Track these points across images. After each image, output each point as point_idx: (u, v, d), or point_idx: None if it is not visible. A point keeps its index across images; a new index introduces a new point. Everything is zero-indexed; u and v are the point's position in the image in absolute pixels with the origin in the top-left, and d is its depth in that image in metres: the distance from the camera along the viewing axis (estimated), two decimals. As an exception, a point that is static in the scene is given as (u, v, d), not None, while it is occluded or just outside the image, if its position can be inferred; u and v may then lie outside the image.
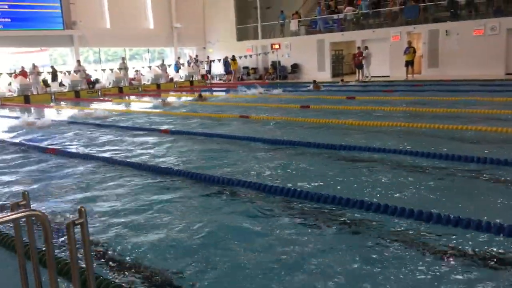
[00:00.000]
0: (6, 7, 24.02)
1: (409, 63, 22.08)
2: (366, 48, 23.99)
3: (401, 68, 22.37)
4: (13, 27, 24.14)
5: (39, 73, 23.58)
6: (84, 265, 2.46)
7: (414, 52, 22.13)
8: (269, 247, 3.90)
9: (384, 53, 24.30)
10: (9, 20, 24.10)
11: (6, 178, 6.93)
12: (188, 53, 33.82)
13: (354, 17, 26.51)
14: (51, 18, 25.68)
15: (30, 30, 24.64)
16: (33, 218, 2.29)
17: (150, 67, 28.31)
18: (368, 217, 4.46)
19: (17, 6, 24.40)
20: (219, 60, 29.54)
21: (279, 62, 27.88)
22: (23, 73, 22.99)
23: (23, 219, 2.36)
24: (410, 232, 4.08)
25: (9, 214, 2.15)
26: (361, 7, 26.06)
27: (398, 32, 23.95)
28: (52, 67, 25.02)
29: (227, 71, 29.63)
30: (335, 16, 27.60)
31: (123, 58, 27.70)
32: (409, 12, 24.13)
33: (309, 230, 4.24)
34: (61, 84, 25.00)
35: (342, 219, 4.49)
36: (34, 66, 23.34)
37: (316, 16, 28.31)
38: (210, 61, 30.90)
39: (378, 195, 5.12)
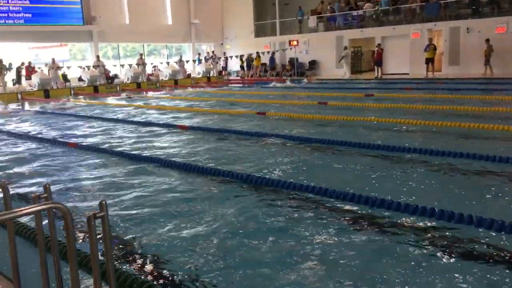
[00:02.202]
0: (28, 2, 24.29)
1: (430, 61, 21.75)
2: (346, 48, 24.98)
3: (421, 66, 22.06)
4: (34, 22, 24.40)
5: (58, 68, 23.85)
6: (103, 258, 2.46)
7: (435, 49, 21.82)
8: (301, 248, 3.87)
9: (404, 50, 24.01)
10: (30, 15, 24.38)
11: (27, 171, 7.01)
12: (206, 49, 33.85)
13: (373, 13, 26.25)
14: (71, 14, 25.93)
15: (51, 25, 24.90)
16: (54, 210, 2.29)
17: (168, 63, 28.42)
18: (389, 215, 4.40)
19: (38, 1, 24.68)
20: (236, 57, 29.34)
21: (296, 58, 27.73)
22: (27, 69, 23.30)
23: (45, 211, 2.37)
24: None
25: (31, 206, 2.15)
26: (381, 3, 25.78)
27: (419, 29, 23.62)
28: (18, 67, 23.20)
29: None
30: (354, 13, 27.35)
31: (141, 54, 27.85)
32: (430, 9, 23.79)
33: (336, 230, 4.20)
34: (80, 79, 25.25)
35: (364, 218, 4.44)
36: (54, 61, 23.60)
37: (335, 13, 28.09)
38: (227, 57, 30.86)
39: (400, 194, 5.04)
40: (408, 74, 23.62)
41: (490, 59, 20.55)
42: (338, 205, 4.76)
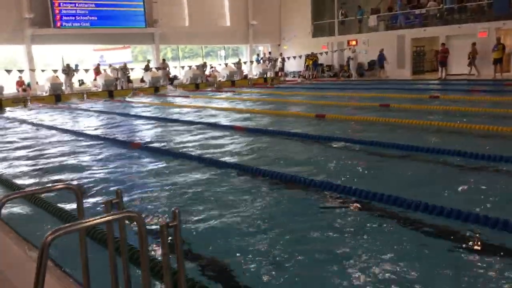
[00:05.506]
0: (93, 6, 25.29)
1: (498, 61, 20.67)
2: (354, 51, 26.19)
3: (489, 67, 21.00)
4: (99, 24, 25.38)
5: (128, 70, 24.78)
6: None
7: (504, 49, 20.70)
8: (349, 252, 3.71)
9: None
10: (95, 18, 25.36)
11: (93, 171, 7.18)
12: (263, 50, 33.89)
13: (438, 11, 25.26)
14: (134, 17, 26.75)
15: (115, 28, 25.80)
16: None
17: (226, 64, 28.69)
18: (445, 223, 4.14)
19: (103, 5, 25.64)
20: (294, 57, 28.96)
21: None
22: (94, 71, 24.73)
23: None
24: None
25: (106, 215, 2.12)
26: (446, 1, 24.76)
27: (486, 28, 22.49)
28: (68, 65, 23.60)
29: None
30: (417, 11, 26.45)
31: (205, 63, 28.04)
32: (499, 6, 22.55)
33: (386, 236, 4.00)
34: (142, 80, 26.00)
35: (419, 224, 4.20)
36: (125, 65, 24.56)
37: (396, 11, 27.28)
38: (283, 58, 30.60)
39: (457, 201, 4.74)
40: (474, 75, 22.55)
41: (475, 61, 21.89)
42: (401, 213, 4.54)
